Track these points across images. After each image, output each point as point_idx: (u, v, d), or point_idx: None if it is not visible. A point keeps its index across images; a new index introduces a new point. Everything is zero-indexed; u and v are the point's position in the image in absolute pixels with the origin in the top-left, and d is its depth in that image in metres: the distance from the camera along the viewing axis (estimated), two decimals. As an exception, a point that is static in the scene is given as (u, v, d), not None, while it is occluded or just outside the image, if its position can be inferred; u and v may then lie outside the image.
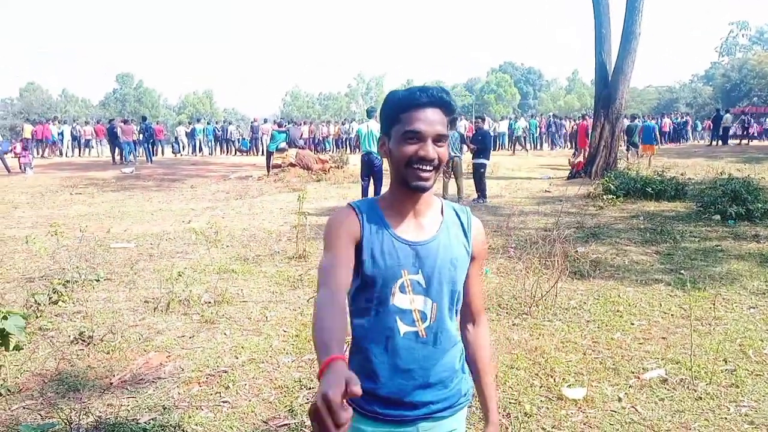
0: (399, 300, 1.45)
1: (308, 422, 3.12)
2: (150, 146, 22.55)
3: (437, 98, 1.41)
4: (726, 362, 3.72)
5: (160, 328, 4.58)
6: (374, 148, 9.74)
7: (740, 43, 65.82)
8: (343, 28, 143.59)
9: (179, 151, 28.14)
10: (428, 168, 1.40)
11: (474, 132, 12.61)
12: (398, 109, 1.43)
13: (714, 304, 4.67)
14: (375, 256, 1.44)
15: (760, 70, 52.28)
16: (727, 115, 28.25)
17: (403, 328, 1.45)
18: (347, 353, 1.46)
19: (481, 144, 11.33)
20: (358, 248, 1.44)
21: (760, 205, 8.28)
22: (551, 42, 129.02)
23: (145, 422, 3.14)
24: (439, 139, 1.41)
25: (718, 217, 8.42)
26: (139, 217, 10.40)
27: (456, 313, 1.55)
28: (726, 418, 3.06)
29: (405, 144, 1.41)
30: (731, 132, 27.59)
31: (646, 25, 13.77)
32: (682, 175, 11.52)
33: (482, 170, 11.18)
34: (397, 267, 1.44)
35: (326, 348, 1.11)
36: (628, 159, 15.32)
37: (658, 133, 19.74)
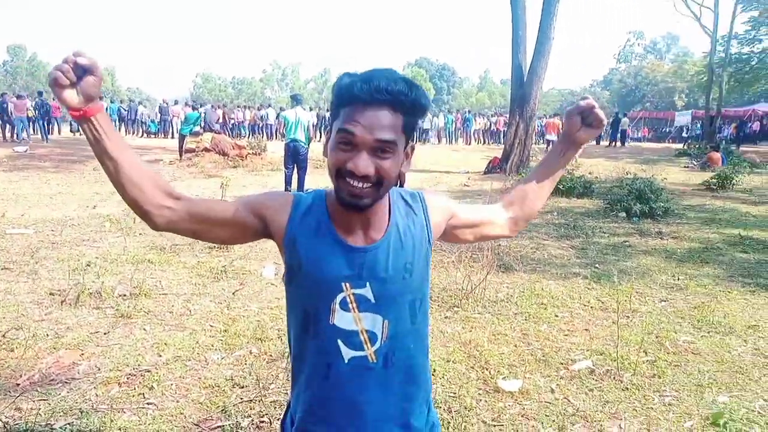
0: (340, 319, 1.20)
1: (244, 423, 2.97)
2: (46, 124, 20.83)
3: (385, 92, 1.08)
4: (646, 353, 3.94)
5: (69, 323, 4.19)
6: (300, 136, 9.51)
7: (636, 52, 70.83)
8: (257, 12, 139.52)
9: (77, 130, 26.16)
10: (360, 186, 1.11)
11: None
12: (338, 100, 1.14)
13: (630, 298, 4.95)
14: (308, 262, 1.20)
15: (653, 77, 56.58)
16: (625, 118, 30.31)
17: (347, 353, 1.21)
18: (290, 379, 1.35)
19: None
20: (279, 238, 1.24)
21: (661, 204, 8.92)
22: (464, 40, 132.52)
23: (60, 427, 2.84)
24: (381, 147, 1.10)
25: (623, 214, 8.98)
26: (37, 200, 9.54)
27: (423, 324, 1.30)
28: (652, 408, 3.23)
29: (336, 149, 1.13)
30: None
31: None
32: (589, 173, 12.19)
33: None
34: (336, 278, 1.19)
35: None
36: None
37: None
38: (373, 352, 1.21)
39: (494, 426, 3.03)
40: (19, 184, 11.39)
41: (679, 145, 27.71)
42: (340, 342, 1.21)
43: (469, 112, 33.96)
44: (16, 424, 2.86)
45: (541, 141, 24.62)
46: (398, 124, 1.12)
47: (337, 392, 1.22)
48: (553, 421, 3.09)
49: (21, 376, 3.36)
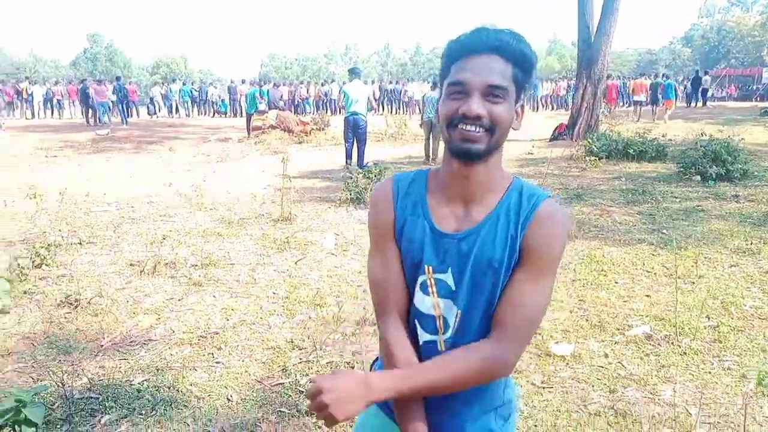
0: (420, 301, 1.21)
1: (302, 381, 3.16)
2: (125, 107, 22.00)
3: (494, 41, 1.10)
4: (709, 318, 3.83)
5: (147, 290, 4.54)
6: (360, 109, 9.61)
7: (719, 5, 65.82)
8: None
9: (155, 113, 27.51)
10: (472, 129, 1.10)
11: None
12: (449, 58, 1.15)
13: (696, 263, 4.78)
14: (403, 242, 1.22)
15: (738, 31, 52.51)
16: (706, 77, 28.42)
17: (422, 335, 1.22)
18: None
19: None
20: (395, 233, 1.25)
21: (739, 166, 8.41)
22: (531, 2, 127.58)
23: (138, 383, 3.14)
24: (492, 92, 1.10)
25: (698, 177, 8.55)
26: (118, 180, 10.20)
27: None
28: (710, 372, 3.16)
29: (448, 99, 1.13)
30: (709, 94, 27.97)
31: (630, -15, 13.67)
32: (663, 136, 11.62)
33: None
34: (420, 260, 1.19)
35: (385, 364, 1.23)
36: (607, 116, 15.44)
37: (677, 90, 21.76)
38: (443, 340, 1.20)
39: (544, 388, 3.07)
40: (102, 165, 12.19)
41: (766, 104, 25.76)
42: (417, 323, 1.23)
43: (536, 77, 32.85)
44: (100, 380, 3.18)
45: (625, 104, 23.54)
46: (508, 72, 1.12)
47: None
48: (605, 384, 3.09)
49: (104, 338, 3.71)
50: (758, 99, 33.30)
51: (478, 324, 1.18)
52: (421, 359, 1.20)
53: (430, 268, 1.18)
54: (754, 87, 38.37)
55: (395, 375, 1.13)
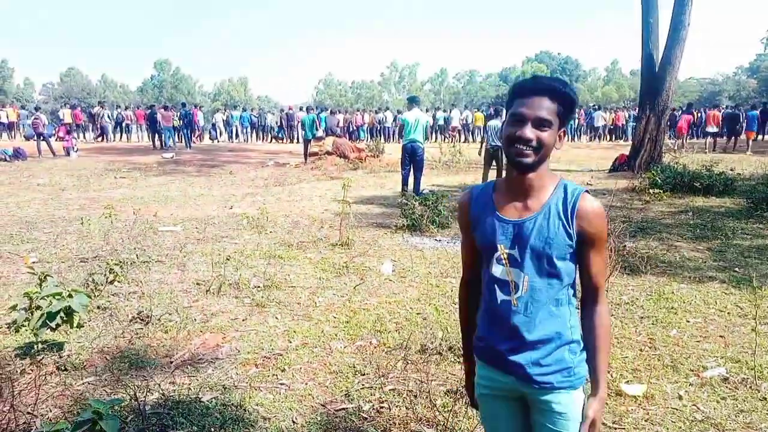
0: (495, 270, 1.64)
1: (365, 407, 3.16)
2: (189, 132, 22.92)
3: (545, 86, 1.55)
4: (790, 363, 3.62)
5: (213, 310, 4.67)
6: (419, 137, 9.69)
7: (788, 35, 63.22)
8: (376, 15, 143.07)
9: (216, 138, 28.54)
10: (524, 148, 1.54)
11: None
12: (512, 95, 1.61)
13: (774, 304, 4.54)
14: (479, 231, 1.67)
15: (808, 62, 50.30)
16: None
17: (500, 296, 1.64)
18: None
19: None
20: (471, 227, 1.71)
21: (815, 203, 7.99)
22: (590, 30, 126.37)
23: (207, 400, 3.21)
24: (540, 123, 1.53)
25: (770, 214, 8.16)
26: (183, 201, 10.59)
27: (557, 289, 1.60)
28: (794, 420, 2.98)
29: (509, 125, 1.58)
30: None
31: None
32: (732, 170, 11.18)
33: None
34: (494, 241, 1.63)
35: (463, 351, 1.91)
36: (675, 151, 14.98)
37: (759, 121, 20.84)
38: (515, 298, 1.61)
39: (616, 429, 2.97)
40: (168, 186, 12.69)
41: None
42: (495, 287, 1.65)
43: (595, 107, 32.24)
44: (171, 395, 3.28)
45: (694, 136, 22.88)
46: (553, 108, 1.54)
47: (493, 320, 1.67)
48: (680, 427, 2.96)
49: (174, 354, 3.83)
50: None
51: (546, 289, 1.60)
52: (498, 314, 1.64)
53: (502, 246, 1.62)
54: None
55: (603, 370, 1.63)
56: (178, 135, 22.97)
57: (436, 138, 27.24)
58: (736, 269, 5.75)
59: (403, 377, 3.50)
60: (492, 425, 1.78)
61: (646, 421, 3.03)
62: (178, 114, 23.13)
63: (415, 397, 3.24)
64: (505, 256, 1.61)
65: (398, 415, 3.08)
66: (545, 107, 1.53)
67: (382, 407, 3.18)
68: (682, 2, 13.27)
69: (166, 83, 70.68)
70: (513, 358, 1.61)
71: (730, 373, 3.53)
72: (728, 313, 4.60)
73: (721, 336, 4.14)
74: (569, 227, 1.57)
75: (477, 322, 1.76)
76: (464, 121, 29.16)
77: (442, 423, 2.96)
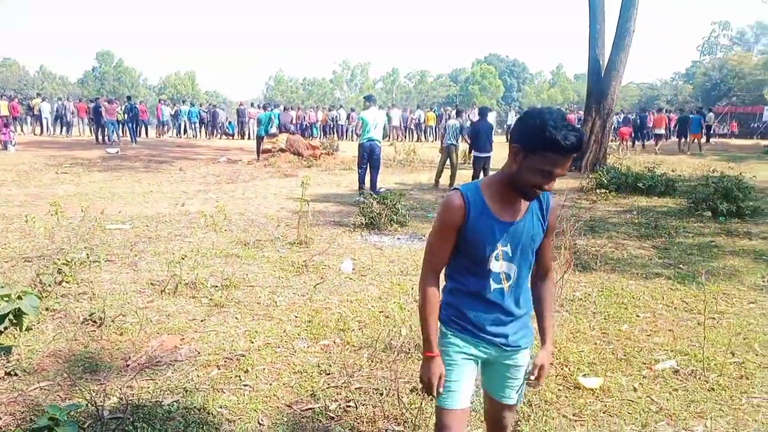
0: (493, 265, 1.91)
1: (332, 407, 3.15)
2: (134, 126, 22.18)
3: (577, 148, 1.70)
4: (733, 355, 3.83)
5: (170, 311, 4.55)
6: (377, 135, 9.70)
7: (721, 44, 66.70)
8: (326, 13, 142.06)
9: (163, 132, 27.71)
10: (540, 193, 1.83)
11: (471, 125, 12.79)
12: (546, 146, 1.69)
13: (717, 299, 4.79)
14: (478, 233, 1.88)
15: (739, 70, 53.17)
16: (710, 113, 28.67)
17: (492, 285, 1.93)
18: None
19: (474, 137, 11.37)
20: (461, 229, 1.88)
21: (750, 203, 8.48)
22: (537, 34, 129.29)
23: (168, 404, 3.13)
24: (560, 175, 1.76)
25: (709, 213, 8.60)
26: (131, 198, 10.24)
27: (528, 272, 2.01)
28: (739, 408, 3.16)
29: (538, 175, 1.74)
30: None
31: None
32: (672, 171, 11.71)
33: (478, 162, 11.21)
34: (494, 241, 1.88)
35: (430, 343, 1.95)
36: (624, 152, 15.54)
37: (703, 124, 22.25)
38: (508, 286, 1.94)
39: (576, 421, 3.07)
40: (114, 183, 12.24)
41: (768, 141, 25.98)
42: (491, 279, 1.92)
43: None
44: (130, 400, 3.17)
45: (641, 139, 23.92)
46: (571, 160, 1.77)
47: (489, 305, 1.94)
48: (636, 418, 3.09)
49: (131, 357, 3.71)
50: (759, 137, 33.57)
51: (525, 273, 1.98)
52: (490, 300, 1.93)
53: (500, 244, 1.89)
54: (755, 125, 38.67)
55: (550, 326, 2.08)
56: (123, 129, 22.18)
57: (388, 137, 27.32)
58: (681, 266, 6.04)
59: (370, 376, 3.51)
60: (459, 385, 2.00)
61: (604, 413, 3.15)
62: (123, 107, 22.34)
63: (382, 395, 3.25)
64: (501, 253, 1.90)
65: (366, 414, 3.08)
66: (568, 163, 1.76)
67: (349, 406, 3.17)
68: (628, 10, 13.82)
69: (109, 75, 68.00)
70: (499, 330, 1.95)
71: (680, 365, 3.71)
72: (675, 308, 4.82)
73: (669, 330, 4.34)
74: (544, 223, 1.96)
75: (450, 305, 2.01)
76: (417, 121, 29.35)
77: (410, 420, 2.98)
